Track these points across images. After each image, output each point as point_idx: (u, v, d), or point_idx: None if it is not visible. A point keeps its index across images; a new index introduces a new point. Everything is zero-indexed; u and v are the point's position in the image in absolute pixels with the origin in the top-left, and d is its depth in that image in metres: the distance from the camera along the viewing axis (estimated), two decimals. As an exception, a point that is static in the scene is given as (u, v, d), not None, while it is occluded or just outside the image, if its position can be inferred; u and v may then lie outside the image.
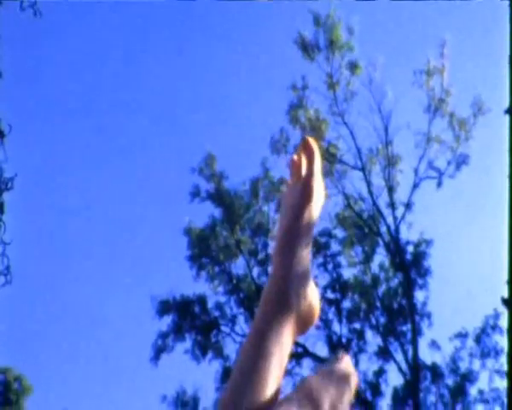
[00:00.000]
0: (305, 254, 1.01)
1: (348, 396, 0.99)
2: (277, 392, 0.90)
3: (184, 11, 36.36)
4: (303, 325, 0.98)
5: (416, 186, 22.68)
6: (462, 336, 22.42)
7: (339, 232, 23.68)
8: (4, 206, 3.92)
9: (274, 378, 0.89)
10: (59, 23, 29.42)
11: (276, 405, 0.90)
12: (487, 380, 21.69)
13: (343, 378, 0.98)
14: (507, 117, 6.29)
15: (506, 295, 6.23)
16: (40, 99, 34.83)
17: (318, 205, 1.06)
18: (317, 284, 1.03)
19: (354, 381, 1.01)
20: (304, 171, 1.06)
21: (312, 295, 1.00)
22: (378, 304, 22.96)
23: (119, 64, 35.54)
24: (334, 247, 23.50)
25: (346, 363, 1.01)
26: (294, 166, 1.06)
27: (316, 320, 1.02)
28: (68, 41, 35.32)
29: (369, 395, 21.92)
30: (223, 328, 22.82)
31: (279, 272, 0.97)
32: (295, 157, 1.07)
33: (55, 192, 34.23)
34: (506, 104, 6.50)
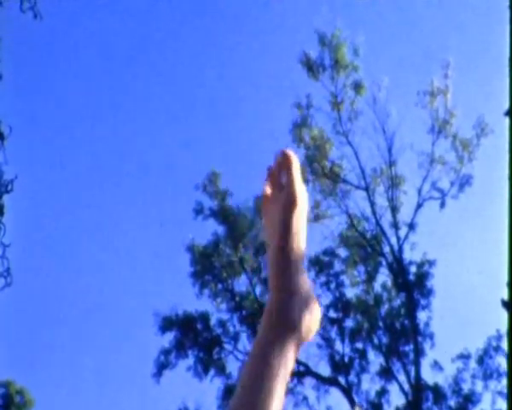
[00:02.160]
0: (302, 268, 0.99)
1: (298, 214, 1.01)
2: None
3: (192, 25, 36.52)
4: (302, 341, 0.97)
5: (419, 207, 22.71)
6: (464, 357, 22.33)
7: (342, 252, 23.69)
8: (4, 208, 3.96)
9: (277, 399, 0.88)
10: (59, 25, 29.55)
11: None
12: (490, 402, 21.59)
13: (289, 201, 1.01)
14: (507, 119, 6.34)
15: (506, 297, 6.27)
16: (40, 101, 34.92)
17: (304, 210, 1.02)
18: (319, 303, 1.02)
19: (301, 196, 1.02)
20: (284, 179, 1.02)
21: (314, 314, 0.98)
22: (380, 324, 22.90)
23: (120, 65, 35.55)
24: (337, 266, 23.49)
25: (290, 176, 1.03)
26: (272, 177, 1.04)
27: (314, 335, 1.00)
28: (68, 43, 35.45)
29: (370, 415, 21.82)
30: (225, 345, 22.79)
31: (278, 294, 0.96)
32: (272, 166, 1.04)
33: (55, 195, 34.23)
34: (505, 106, 6.55)
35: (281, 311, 0.95)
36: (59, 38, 34.34)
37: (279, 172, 1.03)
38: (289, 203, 0.99)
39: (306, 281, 0.99)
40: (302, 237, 1.00)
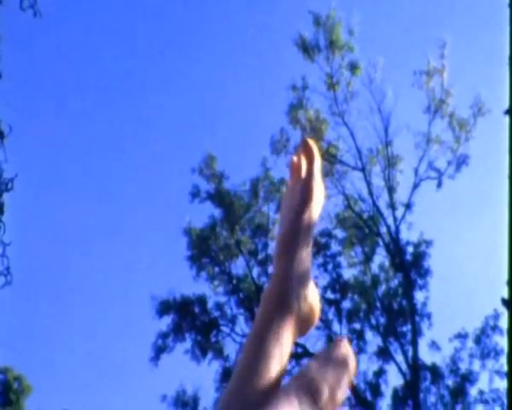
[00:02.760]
0: (306, 255, 1.01)
1: (347, 379, 0.99)
2: (277, 393, 0.90)
3: (185, 10, 36.34)
4: (303, 327, 0.99)
5: (416, 187, 22.70)
6: (461, 336, 22.42)
7: (339, 233, 23.71)
8: (4, 206, 3.92)
9: (274, 380, 0.89)
10: (59, 23, 29.44)
11: (274, 396, 0.90)
12: (487, 381, 21.71)
13: (341, 362, 0.98)
14: (507, 118, 6.29)
15: (506, 295, 6.23)
16: (40, 99, 34.84)
17: (318, 206, 1.06)
18: (316, 285, 1.03)
19: (352, 363, 1.01)
20: (303, 172, 1.06)
21: (313, 297, 1.00)
22: (378, 304, 22.96)
23: (120, 64, 35.49)
24: (334, 247, 23.51)
25: (343, 346, 1.01)
26: (294, 168, 1.06)
27: (316, 322, 1.02)
28: (68, 41, 35.35)
29: (369, 396, 21.92)
30: (223, 328, 22.82)
31: (280, 273, 0.98)
32: (295, 158, 1.07)
33: (55, 193, 34.25)
34: (506, 104, 6.50)
35: (279, 291, 0.96)
36: (59, 37, 34.13)
37: (300, 162, 1.06)
38: (304, 198, 1.03)
39: (308, 266, 1.01)
40: (311, 231, 1.02)
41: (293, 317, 0.95)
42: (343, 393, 0.98)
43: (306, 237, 1.01)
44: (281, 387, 0.92)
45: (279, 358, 0.91)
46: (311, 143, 1.05)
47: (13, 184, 3.86)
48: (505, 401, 17.85)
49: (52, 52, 35.19)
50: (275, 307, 0.94)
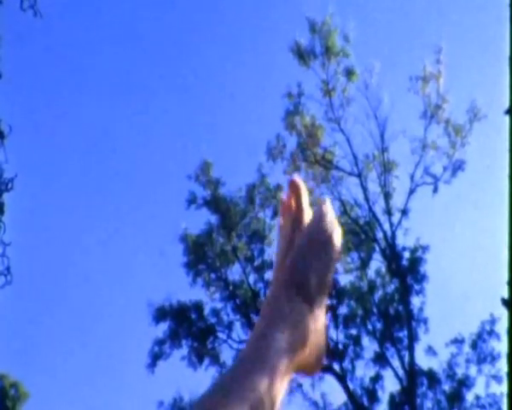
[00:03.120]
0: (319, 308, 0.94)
1: (334, 259, 0.96)
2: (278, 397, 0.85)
3: (182, 19, 36.42)
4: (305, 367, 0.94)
5: (412, 192, 22.74)
6: (458, 341, 22.43)
7: (335, 238, 23.66)
8: (4, 206, 3.93)
9: (271, 376, 0.83)
10: (59, 23, 29.46)
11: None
12: (484, 386, 21.71)
13: (325, 242, 0.96)
14: (507, 118, 6.32)
15: (506, 295, 6.25)
16: (40, 99, 34.87)
17: (336, 238, 0.99)
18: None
19: (338, 234, 0.98)
20: (293, 204, 1.03)
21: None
22: (374, 310, 22.96)
23: (119, 65, 35.52)
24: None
25: (324, 215, 0.98)
26: (285, 207, 1.04)
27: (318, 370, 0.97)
28: (68, 41, 35.39)
29: (365, 401, 21.90)
30: (219, 334, 22.81)
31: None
32: (285, 198, 1.04)
33: (55, 193, 34.22)
34: (503, 108, 6.54)
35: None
36: (59, 37, 34.18)
37: (290, 199, 1.03)
38: (296, 223, 1.00)
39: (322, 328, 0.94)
40: (327, 274, 0.96)
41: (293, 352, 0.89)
42: (331, 275, 0.95)
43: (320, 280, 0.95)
44: (266, 300, 0.92)
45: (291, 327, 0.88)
46: (296, 178, 1.03)
47: (13, 184, 3.87)
48: (502, 405, 17.87)
49: (52, 52, 35.22)
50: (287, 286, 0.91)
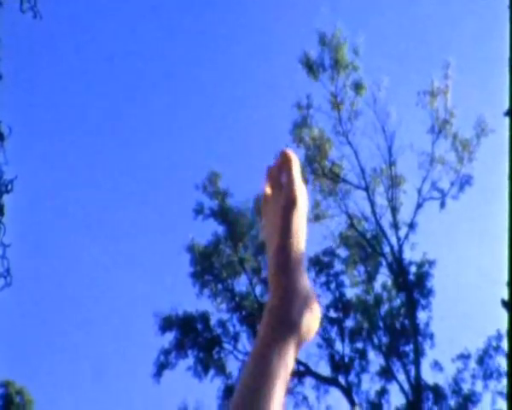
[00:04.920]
0: (302, 268, 0.98)
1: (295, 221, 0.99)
2: None
3: (191, 28, 36.53)
4: (302, 341, 0.95)
5: (419, 207, 22.72)
6: (464, 357, 22.33)
7: (342, 252, 23.69)
8: (4, 208, 3.96)
9: (277, 399, 0.87)
10: (59, 25, 29.58)
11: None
12: (490, 402, 21.59)
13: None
14: (507, 119, 6.33)
15: (506, 297, 6.26)
16: (40, 101, 34.95)
17: (304, 211, 1.01)
18: (319, 303, 1.01)
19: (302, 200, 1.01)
20: (284, 179, 1.01)
21: (314, 313, 0.97)
22: (381, 324, 22.90)
23: (119, 65, 35.59)
24: (337, 266, 23.49)
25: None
26: (272, 177, 1.03)
27: (314, 335, 0.99)
28: (68, 42, 35.50)
29: (370, 415, 21.82)
30: (225, 345, 22.79)
31: (278, 292, 0.96)
32: (272, 167, 1.03)
33: (55, 195, 34.26)
34: (505, 106, 6.53)
35: (281, 310, 0.94)
36: (59, 38, 34.37)
37: (279, 172, 1.02)
38: (289, 204, 0.98)
39: (306, 280, 0.98)
40: (302, 238, 0.99)
41: (295, 335, 0.93)
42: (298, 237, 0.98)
43: (299, 247, 0.98)
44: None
45: (283, 377, 0.89)
46: (289, 150, 1.01)
47: (13, 185, 3.90)
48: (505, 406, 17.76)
49: (52, 53, 35.29)
50: (277, 326, 0.93)
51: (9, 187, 3.85)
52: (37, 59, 31.68)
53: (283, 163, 1.01)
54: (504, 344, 20.92)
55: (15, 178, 3.86)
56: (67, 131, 34.32)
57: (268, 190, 1.03)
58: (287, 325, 0.93)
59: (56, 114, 35.25)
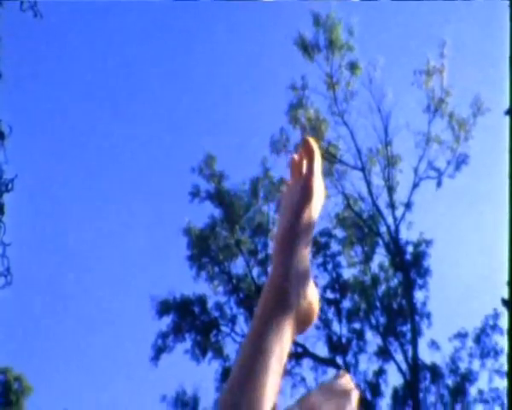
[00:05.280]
0: (305, 253, 1.00)
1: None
2: (276, 391, 0.90)
3: (184, 12, 36.35)
4: (302, 324, 0.98)
5: (415, 186, 22.70)
6: (461, 336, 22.43)
7: (338, 232, 23.71)
8: (4, 207, 3.92)
9: (274, 378, 0.88)
10: (59, 24, 29.43)
11: None
12: (487, 380, 21.71)
13: (344, 393, 1.00)
14: (507, 118, 6.29)
15: (506, 295, 6.24)
16: (41, 100, 34.88)
17: (318, 204, 1.05)
18: (316, 284, 1.03)
19: (355, 396, 1.02)
20: (304, 170, 1.05)
21: (312, 295, 0.99)
22: (378, 304, 22.96)
23: (119, 65, 35.52)
24: (334, 247, 23.52)
25: (346, 379, 1.03)
26: (294, 166, 1.06)
27: (315, 319, 1.01)
28: (68, 42, 35.38)
29: (368, 395, 21.92)
30: (223, 328, 22.83)
31: (279, 270, 0.97)
32: (295, 156, 1.06)
33: (55, 193, 34.26)
34: (506, 104, 6.50)
35: (279, 289, 0.95)
36: (59, 38, 34.15)
37: (301, 161, 1.06)
38: (304, 197, 1.02)
39: (308, 265, 1.01)
40: (310, 226, 1.02)
41: (292, 315, 0.94)
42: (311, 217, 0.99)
43: (306, 235, 1.01)
44: None
45: (279, 355, 0.90)
46: (312, 141, 1.04)
47: (13, 184, 3.86)
48: (505, 400, 17.86)
49: (52, 53, 35.18)
50: (274, 304, 0.94)
51: (9, 186, 3.81)
52: (37, 58, 31.54)
53: (305, 153, 1.04)
54: (502, 323, 21.04)
55: (15, 177, 3.82)
56: (67, 131, 34.28)
57: (290, 178, 1.07)
58: (284, 304, 0.94)
59: (56, 114, 35.20)
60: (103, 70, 34.15)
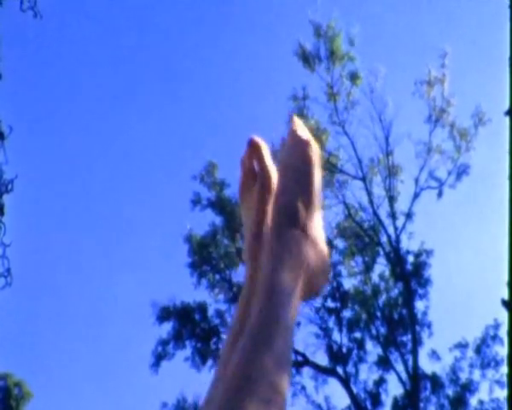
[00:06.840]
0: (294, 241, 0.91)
1: (316, 174, 0.93)
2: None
3: (185, 19, 36.45)
4: (308, 283, 0.88)
5: (416, 196, 22.72)
6: (462, 346, 22.40)
7: (339, 242, 23.70)
8: (4, 208, 3.95)
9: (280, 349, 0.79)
10: (59, 24, 29.51)
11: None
12: (487, 390, 21.67)
13: (303, 158, 0.95)
14: (507, 119, 6.33)
15: (506, 296, 6.27)
16: (41, 100, 34.93)
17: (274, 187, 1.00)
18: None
19: (316, 153, 0.95)
20: (256, 167, 1.03)
21: (323, 255, 0.92)
22: (378, 314, 22.94)
23: (119, 65, 35.59)
24: (335, 257, 23.48)
25: (296, 131, 0.97)
26: (244, 165, 1.04)
27: (323, 284, 0.92)
28: (68, 42, 35.45)
29: (369, 405, 21.88)
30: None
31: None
32: (244, 157, 1.03)
33: (55, 194, 34.28)
34: (506, 106, 6.54)
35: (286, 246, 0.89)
36: (59, 38, 34.28)
37: (250, 160, 1.04)
38: (264, 189, 1.00)
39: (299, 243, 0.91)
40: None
41: (301, 271, 0.87)
42: (318, 192, 0.93)
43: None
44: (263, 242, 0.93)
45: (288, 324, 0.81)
46: (255, 138, 1.02)
47: (13, 185, 3.89)
48: (505, 406, 17.83)
49: (52, 53, 35.28)
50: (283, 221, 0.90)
51: (9, 187, 3.84)
52: (37, 58, 31.63)
53: (253, 152, 1.02)
54: (501, 333, 21.02)
55: (16, 177, 3.85)
56: (68, 131, 34.35)
57: (243, 179, 1.05)
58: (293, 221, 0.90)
59: (56, 114, 35.26)
60: (103, 71, 34.24)
